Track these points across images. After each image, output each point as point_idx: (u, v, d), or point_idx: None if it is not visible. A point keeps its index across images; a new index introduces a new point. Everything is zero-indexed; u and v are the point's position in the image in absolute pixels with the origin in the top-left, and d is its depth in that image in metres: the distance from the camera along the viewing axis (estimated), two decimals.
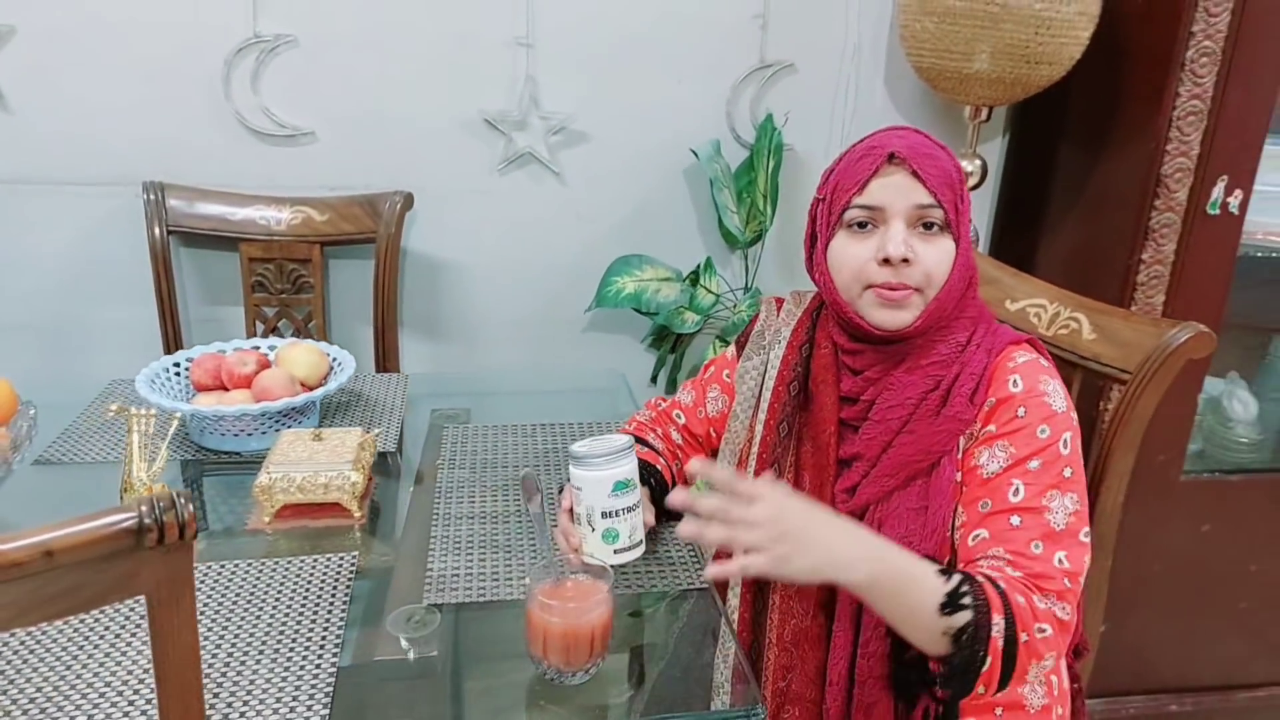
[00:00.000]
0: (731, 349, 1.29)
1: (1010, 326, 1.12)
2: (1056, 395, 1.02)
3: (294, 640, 1.00)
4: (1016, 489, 0.99)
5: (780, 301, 1.25)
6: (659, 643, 1.07)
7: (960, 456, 1.03)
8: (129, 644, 0.97)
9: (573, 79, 1.88)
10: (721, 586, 1.17)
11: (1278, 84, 1.60)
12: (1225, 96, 1.59)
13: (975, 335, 1.07)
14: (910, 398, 1.06)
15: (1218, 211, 1.65)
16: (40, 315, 1.87)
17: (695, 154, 1.93)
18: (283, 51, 1.78)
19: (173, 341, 1.81)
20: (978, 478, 1.01)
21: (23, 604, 0.62)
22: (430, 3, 1.80)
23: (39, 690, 0.91)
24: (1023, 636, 0.92)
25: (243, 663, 0.96)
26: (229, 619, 1.02)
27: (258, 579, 1.10)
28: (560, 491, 1.23)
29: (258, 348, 1.52)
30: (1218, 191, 1.64)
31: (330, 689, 0.93)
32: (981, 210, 2.10)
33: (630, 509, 1.11)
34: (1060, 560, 0.96)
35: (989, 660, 0.91)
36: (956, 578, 0.93)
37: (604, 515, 1.10)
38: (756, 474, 1.15)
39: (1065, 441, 1.00)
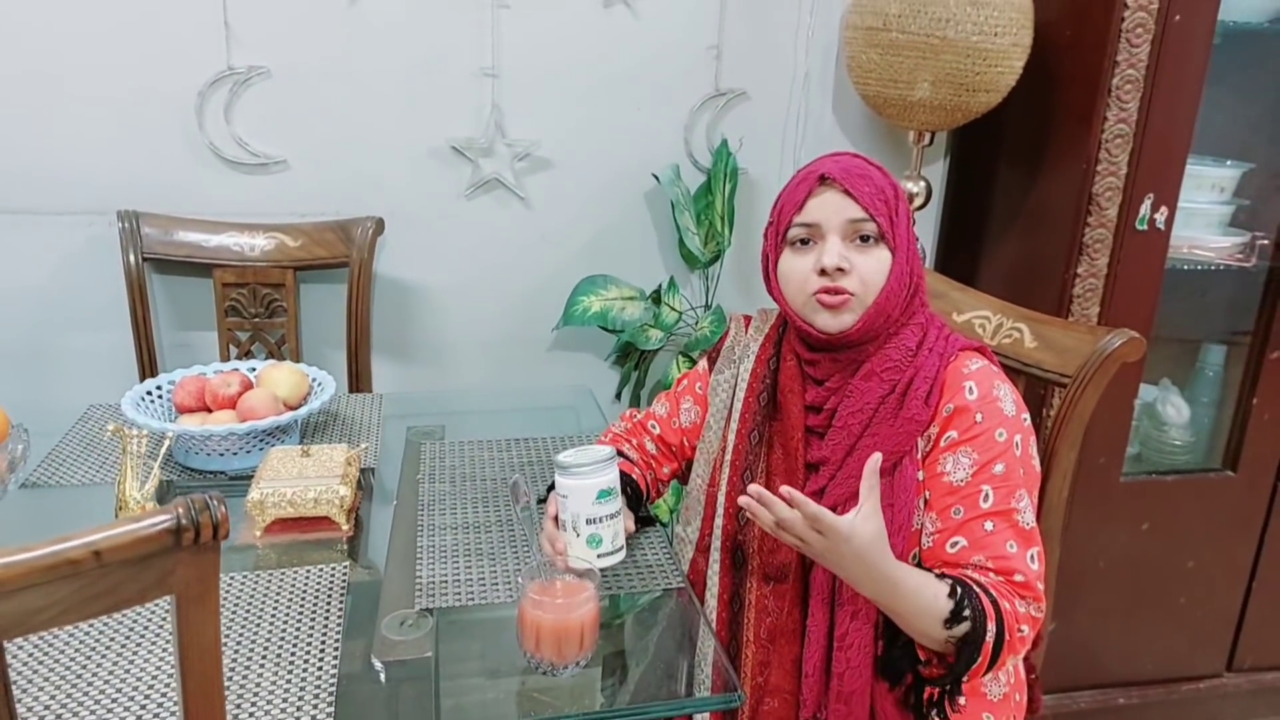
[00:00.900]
0: (703, 363, 1.36)
1: (961, 335, 1.21)
2: (1008, 400, 1.11)
3: (294, 648, 1.04)
4: (985, 495, 1.08)
5: (749, 319, 1.33)
6: (641, 642, 1.14)
7: (920, 457, 1.12)
8: (135, 652, 1.01)
9: (537, 108, 1.94)
10: (700, 587, 1.24)
11: (1196, 108, 1.70)
12: (1149, 120, 1.69)
13: (926, 340, 1.15)
14: (869, 403, 1.14)
15: (1145, 227, 1.75)
16: (16, 343, 1.88)
17: (657, 178, 2.00)
18: (255, 82, 1.82)
19: (148, 367, 1.83)
20: (946, 485, 1.10)
21: (66, 603, 0.66)
22: (399, 34, 1.85)
23: (52, 699, 0.94)
24: (1007, 637, 1.03)
25: (246, 670, 1.00)
26: (229, 629, 1.06)
27: (254, 590, 1.14)
28: (539, 502, 1.29)
29: (238, 369, 1.56)
30: (1145, 208, 1.74)
31: (333, 693, 0.97)
32: (926, 228, 2.21)
33: (613, 516, 1.18)
34: (1031, 559, 1.08)
35: (980, 659, 1.03)
36: (959, 593, 1.03)
37: (588, 522, 1.16)
38: (730, 480, 1.23)
39: (1018, 443, 1.10)
